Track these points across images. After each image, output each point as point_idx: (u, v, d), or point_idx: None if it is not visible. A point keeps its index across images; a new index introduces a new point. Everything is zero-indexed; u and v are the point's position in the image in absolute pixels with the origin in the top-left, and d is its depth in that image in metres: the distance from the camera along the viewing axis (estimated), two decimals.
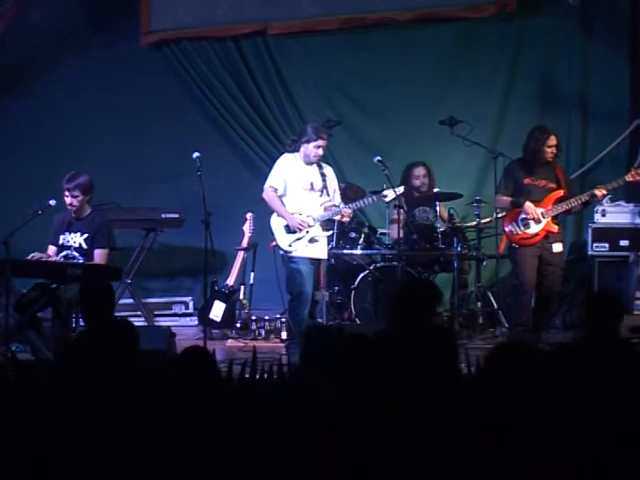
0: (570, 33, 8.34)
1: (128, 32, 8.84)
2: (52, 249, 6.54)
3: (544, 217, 6.70)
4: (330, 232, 6.92)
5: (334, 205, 6.75)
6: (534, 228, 6.73)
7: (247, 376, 4.30)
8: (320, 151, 6.66)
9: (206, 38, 8.86)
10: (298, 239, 6.64)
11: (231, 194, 8.50)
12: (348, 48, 8.67)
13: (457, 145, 7.76)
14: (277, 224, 6.69)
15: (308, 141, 6.64)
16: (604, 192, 6.75)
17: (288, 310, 6.94)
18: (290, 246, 6.63)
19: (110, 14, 8.94)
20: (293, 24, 8.69)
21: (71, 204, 6.49)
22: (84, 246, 6.48)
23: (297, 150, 6.72)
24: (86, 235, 6.48)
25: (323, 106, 8.64)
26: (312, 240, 6.67)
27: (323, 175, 6.74)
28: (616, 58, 8.24)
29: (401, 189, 6.87)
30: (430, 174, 7.89)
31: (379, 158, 6.85)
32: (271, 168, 6.84)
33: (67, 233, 6.53)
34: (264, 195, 6.76)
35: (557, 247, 6.79)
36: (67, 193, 6.48)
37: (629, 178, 6.79)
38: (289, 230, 6.64)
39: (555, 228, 6.76)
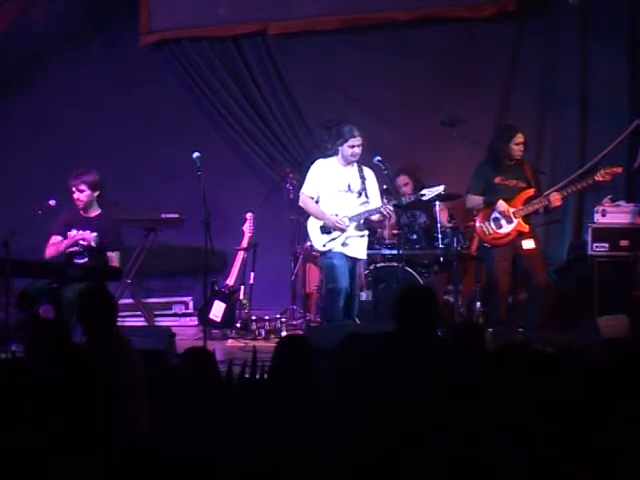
0: (570, 33, 8.33)
1: (128, 32, 8.86)
2: (58, 238, 6.55)
3: (515, 217, 6.73)
4: (366, 233, 6.91)
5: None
6: (506, 228, 6.76)
7: (247, 376, 4.28)
8: (356, 150, 6.73)
9: (206, 38, 8.87)
10: (333, 239, 6.69)
11: (231, 194, 8.50)
12: (348, 48, 8.67)
13: (457, 145, 7.76)
14: (312, 226, 6.81)
15: (342, 143, 6.70)
16: (558, 200, 6.76)
17: (321, 305, 6.98)
18: (324, 246, 6.71)
19: (110, 14, 8.95)
20: (293, 24, 8.69)
21: (78, 199, 6.55)
22: (92, 244, 6.50)
23: (335, 154, 6.78)
24: (95, 234, 6.50)
25: (323, 106, 8.64)
26: (347, 239, 6.70)
27: (363, 178, 6.80)
28: (616, 58, 8.23)
29: (440, 188, 6.87)
30: (413, 181, 7.92)
31: (379, 158, 6.86)
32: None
33: (75, 230, 6.56)
34: (300, 202, 6.88)
35: (527, 244, 6.80)
36: (74, 189, 6.54)
37: (598, 178, 6.81)
38: (324, 231, 6.71)
39: (526, 228, 6.79)
